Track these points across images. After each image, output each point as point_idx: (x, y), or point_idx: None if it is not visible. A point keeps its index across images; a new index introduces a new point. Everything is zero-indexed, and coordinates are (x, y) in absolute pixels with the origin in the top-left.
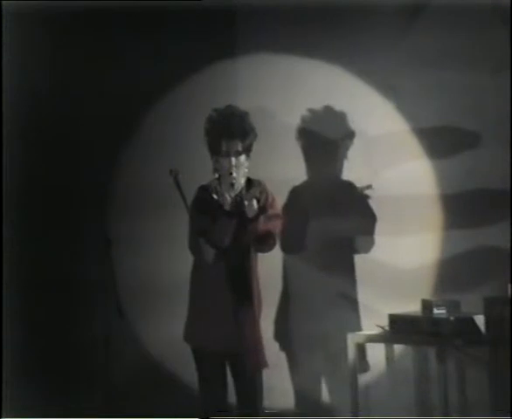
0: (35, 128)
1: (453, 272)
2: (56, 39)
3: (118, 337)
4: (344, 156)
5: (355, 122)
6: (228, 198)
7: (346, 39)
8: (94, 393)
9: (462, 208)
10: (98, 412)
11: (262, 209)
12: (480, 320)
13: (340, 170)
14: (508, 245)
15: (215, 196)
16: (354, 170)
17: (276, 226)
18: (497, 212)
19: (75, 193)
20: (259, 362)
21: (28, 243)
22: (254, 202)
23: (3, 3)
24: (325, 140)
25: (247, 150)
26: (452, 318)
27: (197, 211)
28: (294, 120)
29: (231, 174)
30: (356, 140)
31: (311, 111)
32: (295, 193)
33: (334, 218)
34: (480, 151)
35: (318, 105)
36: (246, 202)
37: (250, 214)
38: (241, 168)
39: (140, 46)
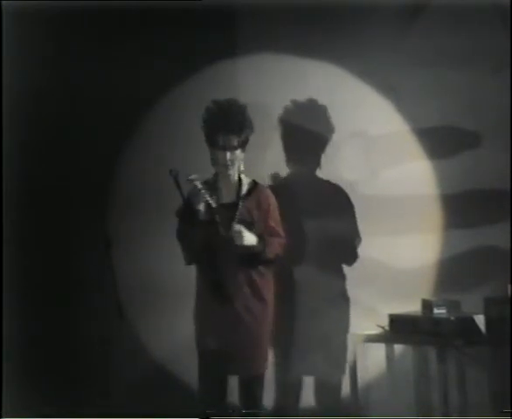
0: (35, 128)
1: (453, 272)
2: (56, 39)
3: (118, 337)
4: (322, 151)
5: (355, 122)
6: (202, 210)
7: (346, 39)
8: (94, 393)
9: (462, 208)
10: (98, 412)
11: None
12: (480, 320)
13: (318, 165)
14: (508, 245)
15: (205, 196)
16: (354, 170)
17: (280, 248)
18: (497, 212)
19: (75, 193)
20: (251, 366)
21: (28, 243)
22: (248, 235)
23: (3, 3)
24: (301, 133)
25: (243, 144)
26: (452, 318)
27: (182, 212)
28: (293, 119)
29: (226, 167)
30: (356, 140)
31: (291, 103)
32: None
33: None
34: (480, 151)
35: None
36: (237, 229)
37: (237, 240)
38: (236, 162)
39: (140, 46)
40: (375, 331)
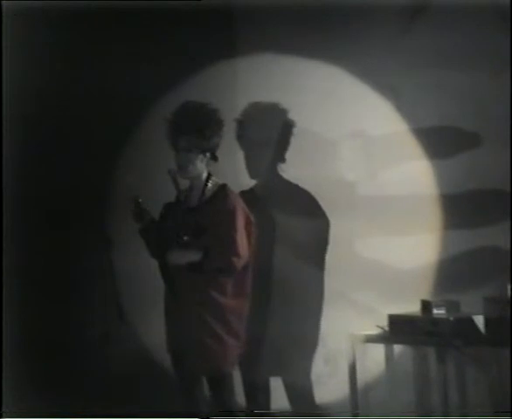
0: (35, 128)
1: (453, 272)
2: (56, 39)
3: (118, 337)
4: (281, 156)
5: (354, 122)
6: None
7: (346, 39)
8: (94, 393)
9: (462, 208)
10: (98, 412)
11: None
12: (479, 320)
13: (275, 167)
14: (508, 245)
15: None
16: (353, 170)
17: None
18: (497, 212)
19: (75, 193)
20: (213, 365)
21: (28, 242)
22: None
23: (3, 3)
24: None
25: (204, 145)
26: (451, 318)
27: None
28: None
29: (179, 169)
30: (355, 140)
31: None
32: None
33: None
34: (480, 151)
35: (313, 104)
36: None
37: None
38: (191, 165)
39: (140, 46)
40: (374, 331)
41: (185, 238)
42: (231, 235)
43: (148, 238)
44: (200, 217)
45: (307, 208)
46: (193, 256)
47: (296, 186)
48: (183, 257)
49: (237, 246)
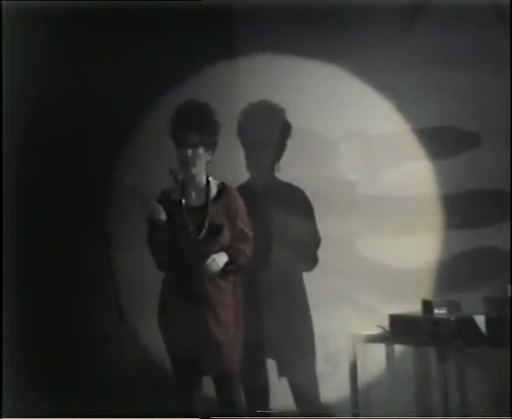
0: (35, 128)
1: (453, 272)
2: (56, 39)
3: (118, 337)
4: (282, 154)
5: (355, 122)
6: (161, 212)
7: (346, 39)
8: (94, 393)
9: (462, 208)
10: (98, 412)
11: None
12: (480, 320)
13: (272, 168)
14: (508, 245)
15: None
16: (354, 170)
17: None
18: (497, 212)
19: (75, 193)
20: (218, 367)
21: (28, 243)
22: (221, 259)
23: (3, 3)
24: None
25: (207, 144)
26: (452, 318)
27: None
28: (293, 120)
29: (188, 165)
30: (356, 140)
31: (248, 106)
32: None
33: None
34: (480, 151)
35: (316, 105)
36: (210, 260)
37: (213, 269)
38: (199, 161)
39: (140, 46)
40: (375, 331)
41: (201, 238)
42: (245, 232)
43: (157, 238)
44: (212, 216)
45: (301, 207)
46: (223, 257)
47: (290, 185)
48: (220, 261)
49: (251, 242)
